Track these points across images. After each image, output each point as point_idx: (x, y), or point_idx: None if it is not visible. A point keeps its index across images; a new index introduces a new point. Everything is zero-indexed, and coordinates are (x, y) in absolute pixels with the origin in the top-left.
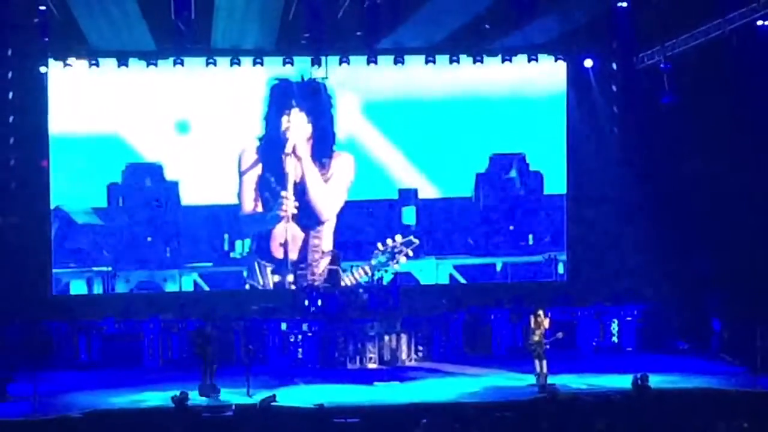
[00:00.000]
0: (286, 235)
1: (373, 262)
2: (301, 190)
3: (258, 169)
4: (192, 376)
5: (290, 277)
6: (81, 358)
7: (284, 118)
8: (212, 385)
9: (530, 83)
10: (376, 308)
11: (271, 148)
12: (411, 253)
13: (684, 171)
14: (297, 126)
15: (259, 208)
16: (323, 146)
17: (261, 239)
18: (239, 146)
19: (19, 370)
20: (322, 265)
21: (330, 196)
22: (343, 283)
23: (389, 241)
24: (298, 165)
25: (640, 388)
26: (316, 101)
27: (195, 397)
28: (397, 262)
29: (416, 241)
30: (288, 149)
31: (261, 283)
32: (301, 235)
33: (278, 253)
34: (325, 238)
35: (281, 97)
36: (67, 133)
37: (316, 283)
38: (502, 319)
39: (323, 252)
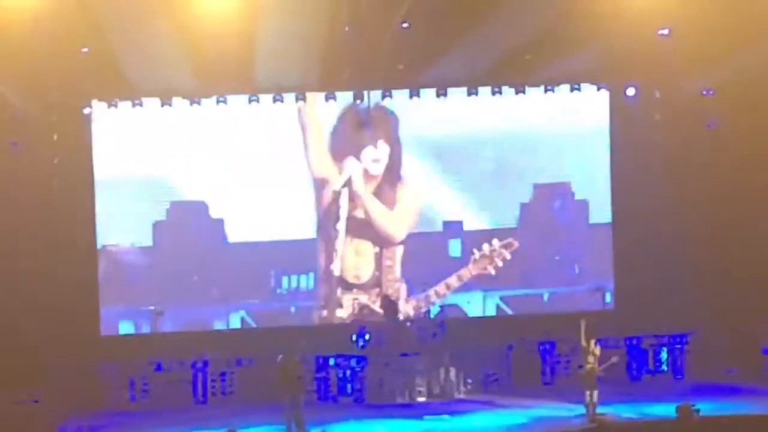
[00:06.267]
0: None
1: (472, 268)
2: (358, 224)
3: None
4: (240, 413)
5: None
6: (131, 398)
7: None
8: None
9: (574, 112)
10: (424, 342)
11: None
12: (509, 257)
13: (730, 198)
14: (352, 162)
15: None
16: (390, 174)
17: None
18: (283, 182)
19: (70, 413)
20: (392, 291)
21: (395, 221)
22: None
23: (485, 246)
24: (356, 199)
25: (686, 415)
26: (381, 128)
27: None
28: (495, 267)
29: (515, 243)
30: (338, 184)
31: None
32: (366, 263)
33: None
34: (397, 263)
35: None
36: (113, 173)
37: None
38: (550, 349)
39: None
